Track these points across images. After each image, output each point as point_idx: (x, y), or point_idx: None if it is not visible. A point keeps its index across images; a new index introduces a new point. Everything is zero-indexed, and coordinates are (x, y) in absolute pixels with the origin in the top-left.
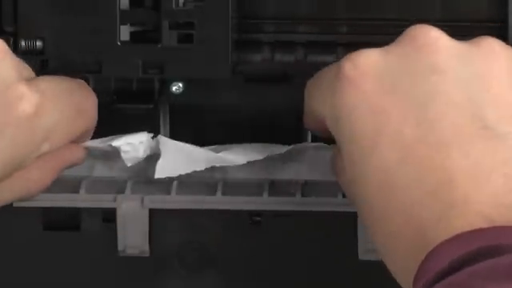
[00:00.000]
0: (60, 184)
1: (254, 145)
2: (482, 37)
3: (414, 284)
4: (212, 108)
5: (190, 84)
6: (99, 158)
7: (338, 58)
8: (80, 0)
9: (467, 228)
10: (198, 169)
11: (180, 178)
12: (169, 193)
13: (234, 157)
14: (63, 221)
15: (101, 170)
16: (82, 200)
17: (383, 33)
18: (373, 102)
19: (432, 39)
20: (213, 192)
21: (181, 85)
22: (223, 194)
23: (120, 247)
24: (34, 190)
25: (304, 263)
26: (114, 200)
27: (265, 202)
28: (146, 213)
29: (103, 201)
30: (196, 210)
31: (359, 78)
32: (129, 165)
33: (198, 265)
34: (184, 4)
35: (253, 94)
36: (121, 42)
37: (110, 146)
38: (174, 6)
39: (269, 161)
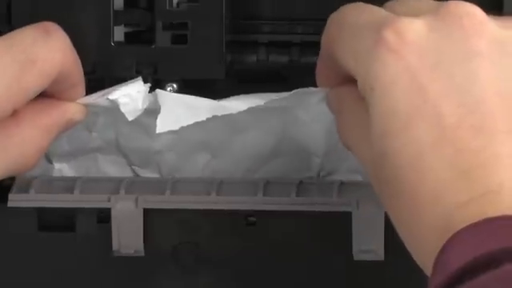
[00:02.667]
0: (54, 184)
1: (254, 94)
2: None
3: (433, 270)
4: None
5: (184, 85)
6: (100, 113)
7: None
8: (74, 0)
9: (496, 215)
10: (199, 119)
11: (175, 177)
12: (163, 193)
13: (236, 104)
14: (58, 221)
15: (103, 126)
16: (77, 200)
17: None
18: (414, 76)
19: (477, 21)
20: (208, 192)
21: (175, 85)
22: (218, 193)
23: (115, 247)
24: (29, 154)
25: (299, 263)
26: (109, 200)
27: (259, 202)
28: (141, 213)
29: (97, 201)
30: (191, 209)
31: (403, 48)
32: (130, 119)
33: (192, 265)
34: (178, 5)
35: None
36: (115, 42)
37: (108, 99)
38: (167, 6)
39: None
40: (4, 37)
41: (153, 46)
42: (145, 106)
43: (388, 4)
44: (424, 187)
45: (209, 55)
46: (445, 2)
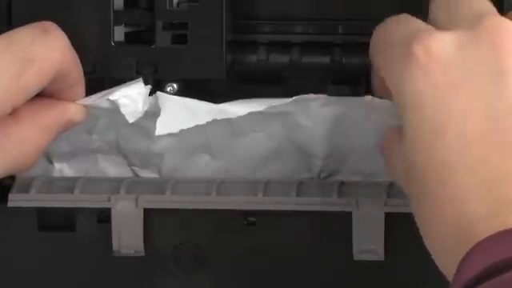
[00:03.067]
0: (54, 184)
1: (254, 100)
2: None
3: (455, 278)
4: None
5: (184, 85)
6: (100, 116)
7: (334, 59)
8: (74, 0)
9: None
10: (199, 123)
11: (175, 177)
12: (163, 192)
13: (236, 108)
14: (58, 221)
15: (103, 129)
16: (77, 200)
17: None
18: (441, 93)
19: (509, 37)
20: (208, 192)
21: (175, 85)
22: (218, 194)
23: (115, 247)
24: (28, 153)
25: (299, 263)
26: (109, 200)
27: (260, 202)
28: (141, 213)
29: (98, 201)
30: (191, 209)
31: (430, 64)
32: (130, 121)
33: (192, 265)
34: (178, 5)
35: (248, 94)
36: (115, 42)
37: (108, 100)
38: (167, 6)
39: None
40: (3, 36)
41: (153, 46)
42: (145, 108)
43: (434, 8)
44: (448, 200)
45: (209, 55)
46: (482, 16)
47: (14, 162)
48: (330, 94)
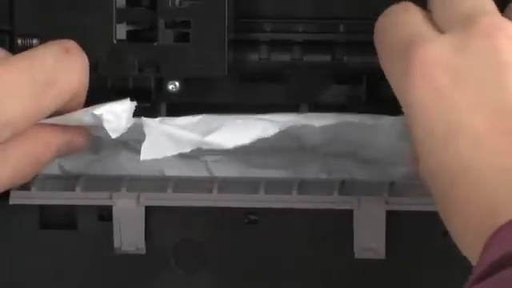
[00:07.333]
0: (56, 182)
1: (246, 122)
2: None
3: (477, 267)
4: (208, 107)
5: (186, 83)
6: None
7: (335, 58)
8: None
9: None
10: (183, 150)
11: (177, 175)
12: (165, 190)
13: (221, 141)
14: (59, 219)
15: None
16: (78, 198)
17: None
18: (445, 95)
19: (504, 35)
20: (209, 190)
21: (177, 83)
22: (219, 191)
23: (116, 245)
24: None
25: (300, 261)
26: (110, 198)
27: (261, 200)
28: (142, 210)
29: (99, 198)
30: (192, 207)
31: (430, 70)
32: (113, 136)
33: (193, 262)
34: (180, 3)
35: (249, 93)
36: (117, 40)
37: (92, 114)
38: (170, 4)
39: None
40: (24, 55)
41: (155, 44)
42: (129, 125)
43: (432, 6)
44: (469, 196)
45: (211, 53)
46: (475, 16)
47: (12, 177)
48: (332, 94)
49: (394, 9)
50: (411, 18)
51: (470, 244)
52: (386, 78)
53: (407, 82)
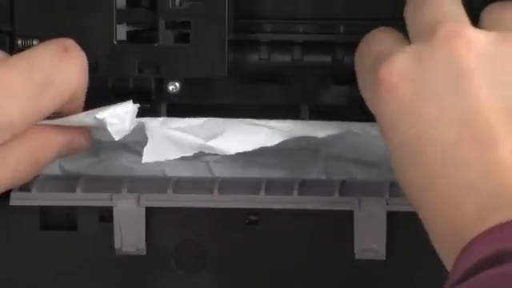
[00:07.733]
0: (56, 183)
1: (249, 128)
2: None
3: (451, 277)
4: (209, 108)
5: (186, 83)
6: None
7: (336, 59)
8: None
9: (504, 221)
10: (185, 154)
11: (177, 176)
12: (165, 191)
13: (224, 146)
14: (60, 220)
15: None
16: (79, 199)
17: None
18: (411, 108)
19: (465, 42)
20: (210, 190)
21: (177, 84)
22: (220, 192)
23: (117, 246)
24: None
25: (300, 262)
26: (111, 199)
27: (261, 201)
28: (143, 211)
29: (100, 199)
30: (193, 208)
31: (396, 84)
32: (116, 138)
33: (194, 263)
34: (180, 3)
35: (249, 93)
36: (117, 41)
37: (95, 118)
38: (170, 5)
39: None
40: (22, 55)
41: (155, 45)
42: (132, 127)
43: (406, 18)
44: (438, 210)
45: (211, 54)
46: (437, 25)
47: (12, 178)
48: (332, 95)
49: (373, 31)
50: (385, 36)
51: (444, 252)
52: (358, 76)
53: (376, 97)
